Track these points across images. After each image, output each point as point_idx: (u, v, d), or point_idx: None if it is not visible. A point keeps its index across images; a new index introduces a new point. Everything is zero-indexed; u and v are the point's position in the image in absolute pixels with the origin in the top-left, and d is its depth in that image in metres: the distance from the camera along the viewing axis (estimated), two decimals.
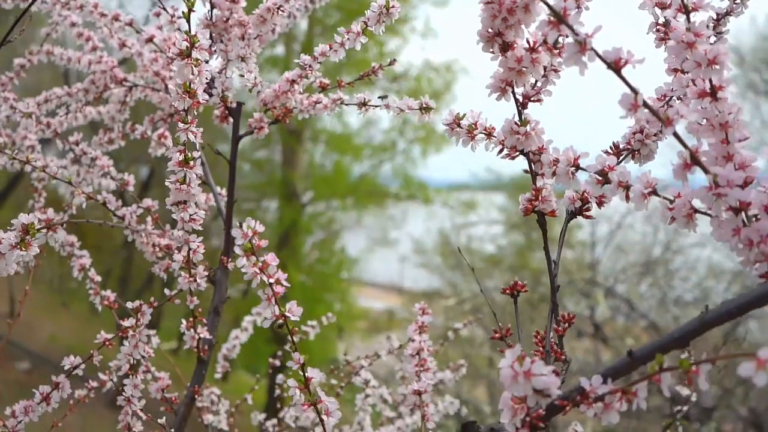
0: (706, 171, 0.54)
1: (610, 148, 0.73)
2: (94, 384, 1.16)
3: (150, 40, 1.09)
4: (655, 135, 0.71)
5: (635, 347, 0.56)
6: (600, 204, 0.71)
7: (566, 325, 0.66)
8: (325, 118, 12.06)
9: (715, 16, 0.78)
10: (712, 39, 0.77)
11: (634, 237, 7.98)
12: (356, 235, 12.69)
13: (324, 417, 0.68)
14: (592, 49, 0.53)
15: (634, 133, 0.72)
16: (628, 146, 0.72)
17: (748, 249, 0.54)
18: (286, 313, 0.66)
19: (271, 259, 0.66)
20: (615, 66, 0.53)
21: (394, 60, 1.05)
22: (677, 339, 0.53)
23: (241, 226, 0.64)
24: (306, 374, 0.68)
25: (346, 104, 1.02)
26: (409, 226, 12.49)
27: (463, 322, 1.59)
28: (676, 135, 0.54)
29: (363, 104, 1.00)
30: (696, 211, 0.58)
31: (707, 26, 0.77)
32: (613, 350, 6.51)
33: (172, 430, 0.99)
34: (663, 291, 7.17)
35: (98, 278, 1.15)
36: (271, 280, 0.66)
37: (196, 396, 1.04)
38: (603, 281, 6.44)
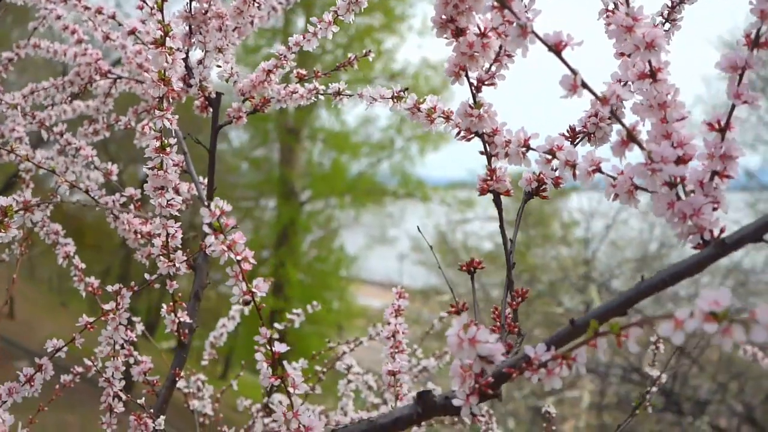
0: (642, 148, 0.57)
1: (567, 131, 0.76)
2: (79, 369, 1.19)
3: (132, 32, 1.12)
4: (609, 119, 0.74)
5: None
6: (556, 185, 0.74)
7: (520, 299, 0.69)
8: (323, 116, 12.04)
9: (670, 3, 0.81)
10: (667, 26, 0.80)
11: (630, 234, 8.02)
12: (354, 233, 12.72)
13: (291, 389, 0.71)
14: (533, 32, 0.56)
15: (589, 117, 0.75)
16: (584, 129, 0.75)
17: (682, 222, 0.56)
18: (253, 290, 0.69)
19: (239, 237, 0.69)
20: (555, 48, 0.56)
21: (369, 51, 1.07)
22: (616, 307, 0.56)
23: (209, 207, 0.67)
24: (273, 349, 0.71)
25: (322, 94, 1.05)
26: (407, 224, 12.50)
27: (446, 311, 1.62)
28: (612, 113, 0.57)
29: (338, 93, 1.03)
30: (637, 187, 0.60)
31: (661, 14, 0.80)
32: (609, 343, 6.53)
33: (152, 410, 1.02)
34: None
35: (82, 265, 1.18)
36: (239, 257, 0.68)
37: (177, 378, 1.07)
38: (598, 277, 6.47)
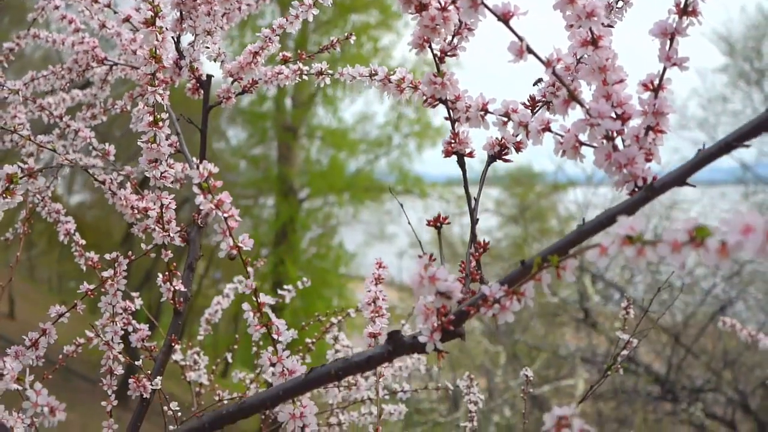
0: (582, 105, 0.63)
1: (527, 99, 0.82)
2: (81, 340, 1.26)
3: (127, 19, 1.18)
4: (554, 84, 0.80)
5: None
6: (518, 149, 0.81)
7: (482, 250, 0.75)
8: (321, 114, 12.06)
9: None
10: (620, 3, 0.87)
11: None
12: (353, 231, 12.78)
13: (275, 336, 0.77)
14: (483, 3, 0.62)
15: (548, 86, 0.82)
16: (543, 98, 0.82)
17: (618, 171, 0.63)
18: (239, 244, 0.76)
19: (225, 197, 0.76)
20: (504, 18, 0.63)
21: (351, 34, 1.14)
22: (560, 247, 0.63)
23: (198, 168, 0.74)
24: (259, 300, 0.78)
25: (306, 74, 1.12)
26: (404, 221, 12.56)
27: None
28: (555, 74, 0.63)
29: (320, 73, 1.10)
30: (581, 143, 0.67)
31: None
32: (604, 335, 6.62)
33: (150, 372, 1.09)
34: (654, 277, 7.28)
35: (83, 241, 1.24)
36: (226, 215, 0.75)
37: (173, 344, 1.13)
38: (592, 267, 6.54)
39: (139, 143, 0.94)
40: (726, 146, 0.57)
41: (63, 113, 1.29)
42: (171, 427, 1.11)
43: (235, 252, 0.76)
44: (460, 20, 0.72)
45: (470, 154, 0.77)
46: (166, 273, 1.11)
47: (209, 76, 1.15)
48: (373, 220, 13.06)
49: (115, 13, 1.24)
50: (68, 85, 1.36)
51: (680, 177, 0.59)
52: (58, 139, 1.36)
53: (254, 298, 0.77)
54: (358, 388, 1.31)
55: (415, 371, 1.60)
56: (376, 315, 1.09)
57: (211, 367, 1.48)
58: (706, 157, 0.58)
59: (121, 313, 1.09)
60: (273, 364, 0.77)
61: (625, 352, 1.21)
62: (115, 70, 1.37)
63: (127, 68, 1.36)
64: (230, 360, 1.54)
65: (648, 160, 0.64)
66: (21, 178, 0.79)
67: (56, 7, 1.35)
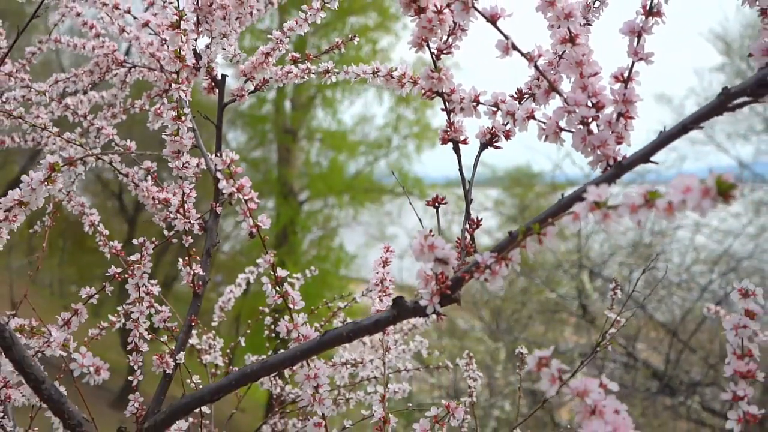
0: (560, 95, 0.73)
1: (515, 92, 0.92)
2: (105, 324, 1.35)
3: (146, 24, 1.28)
4: (537, 78, 0.89)
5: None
6: (507, 137, 0.90)
7: (475, 226, 0.85)
8: (320, 116, 12.14)
9: None
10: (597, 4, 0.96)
11: (626, 223, 8.19)
12: (353, 232, 12.86)
13: (291, 306, 0.87)
14: (474, 7, 0.72)
15: (533, 80, 0.91)
16: (529, 90, 0.91)
17: (593, 152, 0.72)
18: (258, 223, 0.85)
19: (246, 181, 0.85)
20: (492, 19, 0.72)
21: (355, 35, 1.23)
22: (541, 219, 0.72)
23: (221, 156, 0.83)
24: (276, 273, 0.87)
25: (313, 73, 1.21)
26: (405, 222, 12.66)
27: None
28: (536, 68, 0.73)
29: (326, 72, 1.19)
30: (561, 129, 0.76)
31: None
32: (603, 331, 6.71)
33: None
34: (652, 274, 7.38)
35: (106, 232, 1.33)
36: (247, 197, 0.84)
37: (193, 324, 1.22)
38: (590, 264, 6.63)
39: (163, 136, 1.03)
40: (683, 128, 0.67)
41: (87, 112, 1.39)
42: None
43: (254, 231, 0.85)
44: (454, 22, 0.82)
45: (464, 141, 0.86)
46: (186, 258, 1.20)
47: (224, 76, 1.24)
48: (373, 222, 13.14)
49: (135, 18, 1.33)
50: (90, 87, 1.46)
51: (644, 156, 0.68)
52: (80, 137, 1.46)
53: (272, 272, 0.87)
54: (364, 366, 1.40)
55: (416, 371, 1.69)
56: (384, 294, 1.18)
57: (225, 350, 1.57)
58: (666, 138, 0.67)
59: (146, 296, 1.18)
60: (289, 331, 0.86)
61: (612, 330, 1.30)
62: (134, 72, 1.46)
63: (144, 70, 1.45)
64: (243, 344, 1.63)
65: (619, 143, 0.73)
66: (62, 167, 0.88)
67: (78, 14, 1.44)
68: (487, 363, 7.01)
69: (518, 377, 1.57)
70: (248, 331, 1.71)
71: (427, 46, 0.82)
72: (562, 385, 0.60)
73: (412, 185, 12.07)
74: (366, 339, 1.67)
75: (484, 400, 6.39)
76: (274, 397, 1.70)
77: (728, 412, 0.66)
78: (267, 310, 1.73)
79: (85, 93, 1.57)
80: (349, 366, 1.38)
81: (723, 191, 0.47)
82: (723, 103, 0.65)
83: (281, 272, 0.86)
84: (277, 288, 0.86)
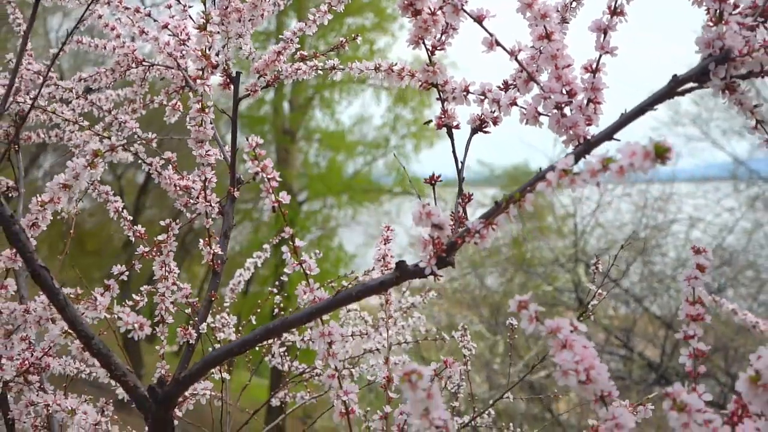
0: (537, 83, 0.85)
1: (502, 83, 1.04)
2: (130, 303, 1.47)
3: (165, 26, 1.40)
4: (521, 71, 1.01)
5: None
6: (495, 123, 1.02)
7: (468, 200, 0.97)
8: (318, 117, 12.22)
9: None
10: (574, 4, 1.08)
11: (623, 218, 8.35)
12: (352, 232, 12.97)
13: (308, 272, 0.99)
14: (463, 9, 0.84)
15: (516, 72, 1.03)
16: (513, 81, 1.03)
17: (566, 132, 0.85)
18: (279, 198, 0.97)
19: (269, 162, 0.97)
20: (478, 19, 0.84)
21: (357, 35, 1.36)
22: (522, 189, 0.84)
23: (247, 139, 0.95)
24: (294, 243, 0.99)
25: (321, 69, 1.33)
26: (404, 221, 12.78)
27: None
28: (518, 61, 0.85)
29: (332, 68, 1.31)
30: (539, 113, 0.89)
31: None
32: (599, 324, 6.84)
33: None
34: (648, 267, 7.52)
35: (130, 218, 1.45)
36: (269, 176, 0.96)
37: (213, 299, 1.34)
38: (586, 258, 6.76)
39: (188, 126, 1.15)
40: (641, 110, 0.79)
41: (111, 107, 1.51)
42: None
43: (276, 205, 0.97)
44: (446, 22, 0.94)
45: (457, 126, 0.99)
46: (206, 239, 1.32)
47: (238, 73, 1.36)
48: (371, 221, 13.25)
49: (155, 21, 1.46)
50: (112, 84, 1.58)
51: (608, 134, 0.81)
52: (103, 130, 1.58)
53: (291, 243, 0.99)
54: (369, 337, 1.52)
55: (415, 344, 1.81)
56: (386, 269, 1.30)
57: (238, 327, 1.69)
58: (626, 118, 0.79)
59: (169, 274, 1.30)
60: (305, 293, 0.98)
61: (595, 302, 1.42)
62: (152, 70, 1.58)
63: (162, 68, 1.57)
64: (254, 321, 1.75)
65: (588, 124, 0.85)
66: (105, 152, 1.00)
67: (100, 16, 1.56)
68: (487, 358, 7.14)
69: (516, 369, 1.68)
70: (258, 310, 1.83)
71: (423, 43, 0.94)
72: (538, 323, 0.72)
73: (410, 185, 12.16)
74: (368, 317, 1.79)
75: (482, 392, 6.51)
76: (283, 374, 1.83)
77: (681, 348, 0.78)
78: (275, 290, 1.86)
79: (106, 90, 1.69)
80: (355, 336, 1.50)
81: (660, 154, 0.60)
82: (672, 89, 0.77)
83: (299, 243, 0.99)
84: (295, 255, 0.98)
